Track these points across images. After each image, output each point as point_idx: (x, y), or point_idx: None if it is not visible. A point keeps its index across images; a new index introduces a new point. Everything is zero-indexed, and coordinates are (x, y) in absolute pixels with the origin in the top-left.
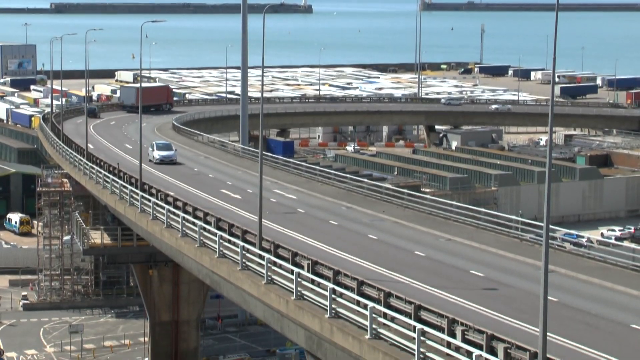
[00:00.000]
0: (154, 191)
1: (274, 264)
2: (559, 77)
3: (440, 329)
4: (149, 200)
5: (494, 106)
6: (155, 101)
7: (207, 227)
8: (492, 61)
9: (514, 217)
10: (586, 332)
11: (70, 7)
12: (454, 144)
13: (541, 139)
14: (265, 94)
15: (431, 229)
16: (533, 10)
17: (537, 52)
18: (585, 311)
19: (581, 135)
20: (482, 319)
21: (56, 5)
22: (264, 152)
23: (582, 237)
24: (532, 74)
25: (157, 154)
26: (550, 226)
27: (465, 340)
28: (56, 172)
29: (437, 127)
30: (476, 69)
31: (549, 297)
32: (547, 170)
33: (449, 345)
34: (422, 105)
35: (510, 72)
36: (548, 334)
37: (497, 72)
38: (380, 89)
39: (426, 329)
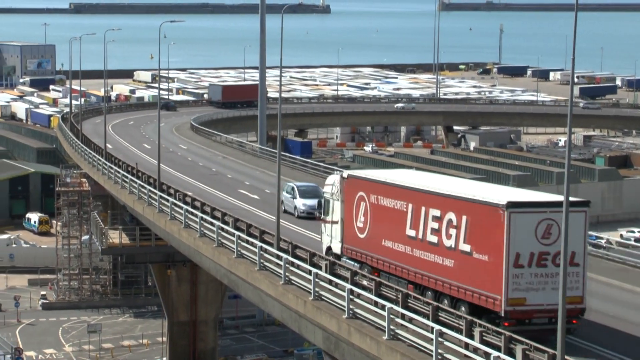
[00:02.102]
0: (172, 191)
1: (292, 264)
2: (578, 77)
3: (458, 330)
4: (167, 200)
5: (398, 104)
6: (246, 98)
7: (225, 227)
8: (510, 61)
9: None
10: (605, 334)
11: (89, 7)
12: (472, 145)
13: (560, 140)
14: (284, 94)
15: None
16: (552, 11)
17: (556, 53)
18: (604, 313)
19: (600, 136)
20: None
21: (75, 5)
22: (282, 153)
23: (602, 238)
24: (551, 74)
25: (301, 203)
26: None
27: (483, 342)
28: (75, 171)
29: (455, 127)
30: (495, 70)
31: None
32: (566, 171)
33: (467, 346)
34: (440, 105)
35: (529, 72)
36: (566, 335)
37: (516, 72)
38: (398, 89)
39: (444, 330)
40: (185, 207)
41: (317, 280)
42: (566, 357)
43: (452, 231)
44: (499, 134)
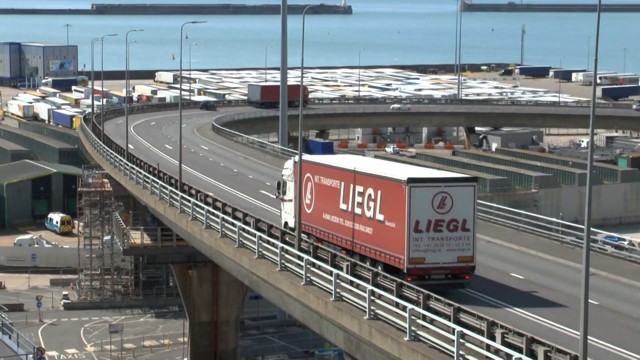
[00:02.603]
0: (193, 192)
1: (313, 265)
2: (600, 78)
3: (479, 331)
4: (189, 201)
5: (395, 105)
6: (291, 98)
7: (247, 227)
8: (532, 62)
9: (554, 219)
10: (627, 336)
11: (111, 8)
12: (494, 146)
13: (582, 141)
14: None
15: None
16: (574, 11)
17: (579, 54)
18: (627, 314)
19: (623, 137)
20: (522, 322)
21: (97, 6)
22: (303, 153)
23: (624, 239)
24: (573, 75)
25: None
26: (591, 229)
27: (504, 343)
28: (97, 172)
29: (477, 128)
30: (516, 70)
31: (590, 300)
32: (588, 172)
33: (488, 347)
34: (462, 106)
35: (551, 73)
36: (589, 337)
37: (538, 73)
38: (419, 90)
39: (465, 331)
40: (206, 207)
41: (338, 281)
42: (588, 359)
43: (371, 204)
44: (521, 135)
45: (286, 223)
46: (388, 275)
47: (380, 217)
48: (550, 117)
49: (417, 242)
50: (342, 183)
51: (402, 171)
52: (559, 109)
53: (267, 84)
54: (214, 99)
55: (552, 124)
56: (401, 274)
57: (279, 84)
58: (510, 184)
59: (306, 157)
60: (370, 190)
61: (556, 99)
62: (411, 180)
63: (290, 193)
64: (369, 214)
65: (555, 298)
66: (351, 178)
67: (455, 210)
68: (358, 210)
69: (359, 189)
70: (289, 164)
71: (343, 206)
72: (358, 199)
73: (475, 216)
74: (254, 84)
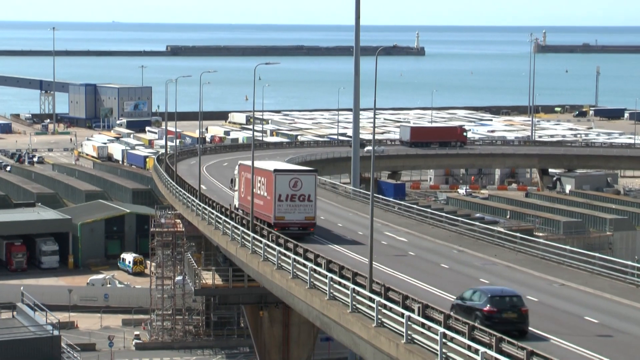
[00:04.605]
0: (265, 232)
1: (384, 306)
2: None
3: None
4: (260, 242)
5: (367, 148)
6: (445, 138)
7: (318, 269)
8: (607, 104)
9: (629, 262)
10: None
11: (185, 50)
12: (568, 188)
13: None
14: (377, 136)
15: (544, 273)
16: None
17: None
18: None
19: None
20: None
21: (172, 47)
22: (375, 194)
23: None
24: None
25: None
26: None
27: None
28: (169, 212)
29: (550, 170)
30: (591, 112)
31: None
32: None
33: None
34: (535, 148)
35: (626, 115)
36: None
37: (613, 115)
38: (492, 131)
39: None
40: (278, 248)
41: (409, 323)
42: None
43: (263, 187)
44: (595, 177)
45: (235, 205)
46: (461, 318)
47: (264, 194)
48: (625, 159)
49: (280, 207)
50: (253, 176)
51: (273, 166)
52: (635, 151)
53: (417, 124)
54: (365, 139)
55: (627, 166)
56: (272, 227)
57: (428, 125)
58: (584, 226)
59: (243, 161)
60: (261, 179)
61: (631, 141)
62: (276, 171)
63: (237, 186)
64: (260, 193)
65: (631, 342)
66: (257, 172)
67: (303, 189)
68: (258, 192)
69: (259, 178)
70: (237, 167)
71: (255, 190)
72: (257, 184)
73: (315, 192)
74: (405, 124)
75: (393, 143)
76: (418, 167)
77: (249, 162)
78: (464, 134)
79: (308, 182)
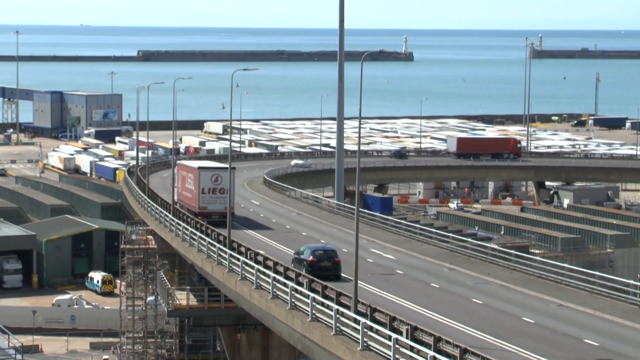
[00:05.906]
0: (243, 249)
1: (371, 329)
2: None
3: None
4: (238, 260)
5: (297, 161)
6: (497, 150)
7: (299, 288)
8: (607, 113)
9: (632, 281)
10: None
11: (158, 55)
12: (566, 202)
13: None
14: (363, 147)
15: (541, 293)
16: None
17: None
18: None
19: None
20: None
21: (144, 53)
22: (361, 209)
23: None
24: None
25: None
26: None
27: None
28: (141, 228)
29: (547, 183)
30: (590, 121)
31: None
32: None
33: None
34: (531, 159)
35: (628, 124)
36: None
37: (614, 124)
38: None
39: None
40: (256, 266)
41: (397, 346)
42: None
43: (191, 182)
44: (595, 191)
45: (175, 200)
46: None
47: (192, 188)
48: (626, 171)
49: (203, 199)
50: (184, 173)
51: (198, 163)
52: (637, 163)
53: (464, 135)
54: (405, 148)
55: (629, 179)
56: (197, 216)
57: (475, 136)
58: (583, 242)
59: (181, 161)
60: (188, 175)
61: (633, 152)
62: (200, 168)
63: (176, 183)
64: (188, 187)
65: None
66: (186, 169)
67: (222, 183)
68: (187, 187)
69: (189, 175)
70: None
71: (187, 186)
72: (188, 180)
73: (232, 186)
74: (452, 135)
75: (379, 154)
76: (406, 179)
77: (185, 162)
78: (518, 145)
79: (226, 177)
